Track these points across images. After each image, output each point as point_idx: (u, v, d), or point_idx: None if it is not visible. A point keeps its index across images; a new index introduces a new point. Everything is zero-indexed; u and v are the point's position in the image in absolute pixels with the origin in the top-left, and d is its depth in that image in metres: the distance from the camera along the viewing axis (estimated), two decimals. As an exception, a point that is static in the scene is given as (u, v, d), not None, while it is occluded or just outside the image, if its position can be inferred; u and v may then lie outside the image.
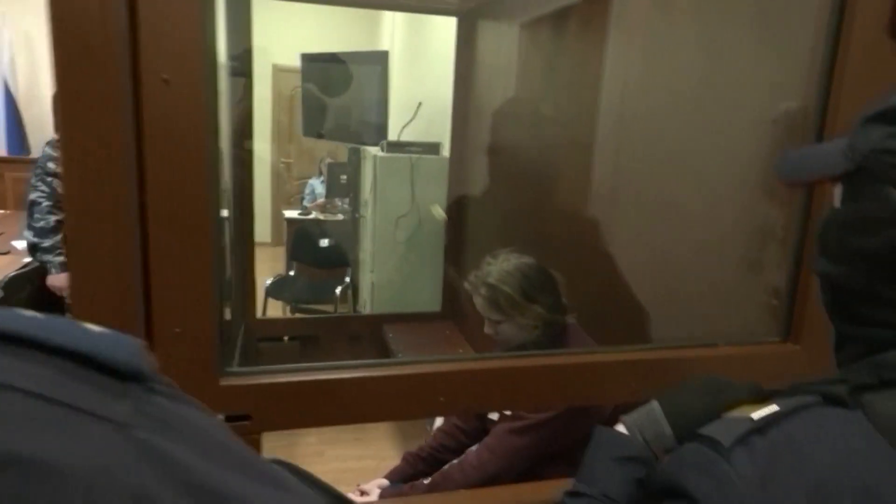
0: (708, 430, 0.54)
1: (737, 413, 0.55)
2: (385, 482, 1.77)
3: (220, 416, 0.87)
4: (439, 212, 3.17)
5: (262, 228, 6.13)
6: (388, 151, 3.23)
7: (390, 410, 0.95)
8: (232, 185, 2.89)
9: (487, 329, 1.60)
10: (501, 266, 1.57)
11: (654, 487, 0.57)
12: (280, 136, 6.16)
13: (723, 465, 0.49)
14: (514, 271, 1.55)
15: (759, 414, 0.52)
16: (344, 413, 0.93)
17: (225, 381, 0.90)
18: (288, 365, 0.93)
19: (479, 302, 1.58)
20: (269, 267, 5.38)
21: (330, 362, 0.95)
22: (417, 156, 3.20)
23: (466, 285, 1.62)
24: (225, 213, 3.05)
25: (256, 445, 0.91)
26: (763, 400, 0.57)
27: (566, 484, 0.71)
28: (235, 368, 0.92)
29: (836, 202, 0.59)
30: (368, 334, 3.23)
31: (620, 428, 0.73)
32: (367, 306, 3.51)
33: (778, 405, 0.52)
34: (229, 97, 2.72)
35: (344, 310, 4.08)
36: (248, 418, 0.90)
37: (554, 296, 1.57)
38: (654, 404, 0.72)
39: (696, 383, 0.73)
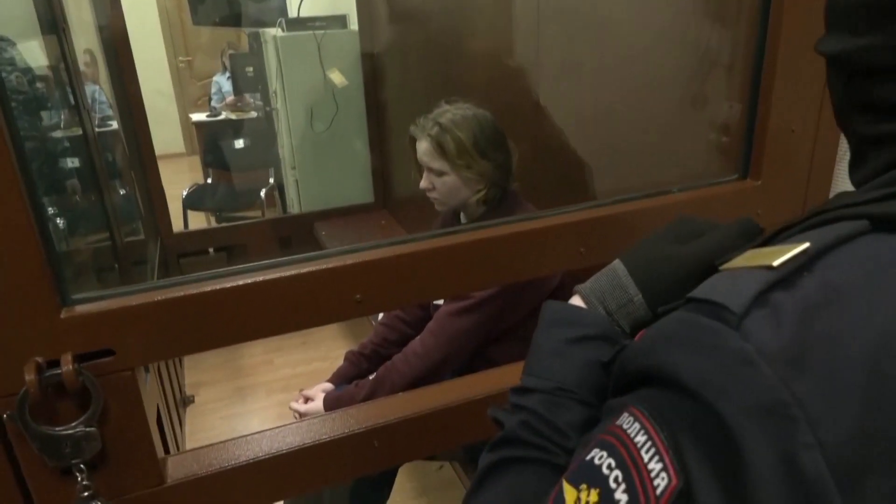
0: (704, 290, 0.36)
1: (743, 262, 0.38)
2: (329, 386, 1.64)
3: (68, 356, 0.67)
4: (339, 76, 2.85)
5: (172, 138, 5.63)
6: (288, 30, 2.84)
7: (290, 320, 0.77)
8: (114, 94, 2.51)
9: (424, 183, 1.43)
10: (457, 111, 1.39)
11: (626, 372, 0.40)
12: (172, 31, 5.48)
13: (733, 340, 0.32)
14: (471, 118, 1.38)
15: (781, 258, 0.34)
16: (234, 330, 0.75)
17: (70, 313, 0.69)
18: (153, 282, 0.73)
19: (423, 146, 1.40)
20: (188, 178, 4.99)
21: (206, 272, 0.75)
22: (322, 32, 2.83)
23: (412, 128, 1.43)
24: (114, 125, 2.68)
25: (131, 385, 0.73)
26: (769, 241, 0.41)
27: (516, 372, 0.54)
28: (86, 294, 0.72)
29: None
30: (299, 235, 3.01)
31: (576, 300, 0.56)
32: (295, 206, 3.25)
33: (807, 241, 0.35)
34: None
35: (273, 213, 3.81)
36: (110, 353, 0.71)
37: (505, 156, 1.41)
38: (616, 263, 0.55)
39: (665, 231, 0.56)
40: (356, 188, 3.15)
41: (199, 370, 2.72)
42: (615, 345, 0.50)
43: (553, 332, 0.53)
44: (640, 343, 0.40)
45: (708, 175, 1.09)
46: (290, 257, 0.78)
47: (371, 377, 1.48)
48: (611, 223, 0.91)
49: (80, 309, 0.69)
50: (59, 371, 0.67)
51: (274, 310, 0.77)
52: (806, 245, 0.35)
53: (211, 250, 2.92)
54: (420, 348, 1.41)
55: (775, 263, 0.34)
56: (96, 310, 0.70)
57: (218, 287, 0.75)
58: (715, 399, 0.32)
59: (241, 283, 0.75)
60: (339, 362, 1.73)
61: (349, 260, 0.81)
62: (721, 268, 0.40)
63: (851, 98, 0.43)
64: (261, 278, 0.77)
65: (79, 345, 0.69)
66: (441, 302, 1.49)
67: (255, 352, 2.87)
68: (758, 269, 0.35)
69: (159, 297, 0.72)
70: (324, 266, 0.79)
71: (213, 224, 3.98)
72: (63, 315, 0.68)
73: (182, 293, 0.74)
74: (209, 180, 4.12)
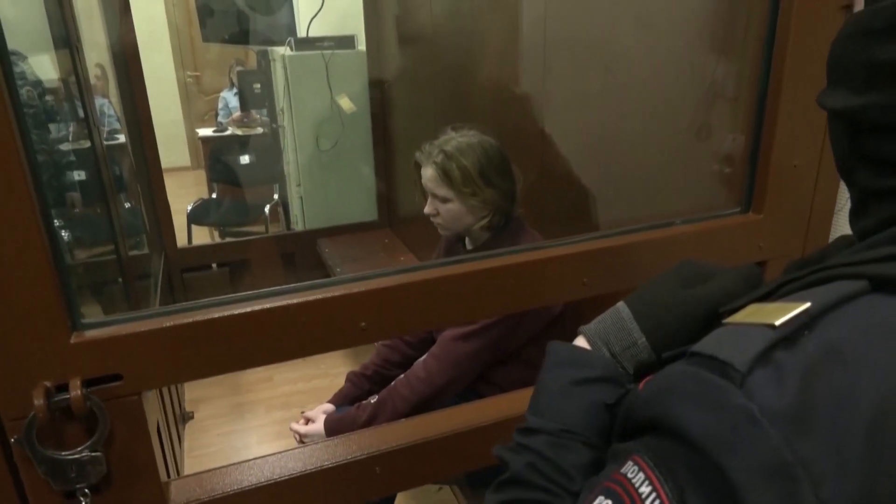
0: (709, 345, 0.37)
1: (746, 317, 0.39)
2: (330, 407, 1.64)
3: (77, 380, 0.68)
4: (347, 103, 2.88)
5: (179, 152, 5.67)
6: (297, 49, 2.88)
7: (296, 347, 0.78)
8: (122, 108, 2.54)
9: (429, 209, 1.44)
10: (463, 138, 1.40)
11: (631, 419, 0.41)
12: (182, 46, 5.54)
13: (737, 398, 0.33)
14: (476, 146, 1.39)
15: (783, 317, 0.35)
16: (240, 356, 0.76)
17: (80, 338, 0.70)
18: (162, 308, 0.74)
19: (428, 173, 1.41)
20: (193, 192, 5.01)
21: (215, 297, 0.76)
22: (331, 52, 2.87)
23: (418, 155, 1.44)
24: (122, 138, 2.71)
25: (138, 410, 0.73)
26: (771, 294, 0.41)
27: (520, 399, 0.55)
28: (96, 320, 0.72)
29: (859, 4, 0.41)
30: (302, 252, 3.02)
31: (580, 342, 0.57)
32: (299, 223, 3.27)
33: (809, 300, 0.36)
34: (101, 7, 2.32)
35: (276, 229, 3.83)
36: (118, 378, 0.71)
37: (510, 184, 1.42)
38: (621, 307, 0.56)
39: (670, 275, 0.57)
40: (360, 206, 3.18)
41: (199, 386, 2.72)
42: (620, 387, 0.51)
43: (559, 373, 0.53)
44: (646, 392, 0.40)
45: (711, 207, 1.10)
46: (296, 284, 0.79)
47: (373, 399, 1.48)
48: (614, 254, 0.92)
49: (90, 334, 0.70)
50: (68, 396, 0.67)
51: (280, 337, 0.78)
52: (807, 305, 0.36)
53: (214, 265, 2.94)
54: (423, 372, 1.41)
55: (777, 322, 0.35)
56: (106, 335, 0.70)
57: (226, 314, 0.75)
58: (719, 454, 0.32)
59: (248, 310, 0.76)
60: (340, 380, 1.73)
61: (355, 288, 0.82)
62: (725, 322, 0.41)
63: (855, 152, 0.43)
64: (268, 305, 0.77)
65: (87, 370, 0.69)
66: (444, 325, 1.50)
67: (255, 368, 2.87)
68: (761, 327, 0.36)
69: (168, 324, 0.73)
70: (330, 294, 0.80)
71: (217, 239, 3.99)
72: (73, 340, 0.69)
73: (191, 319, 0.74)
74: (214, 195, 4.14)
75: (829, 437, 0.31)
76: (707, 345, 0.37)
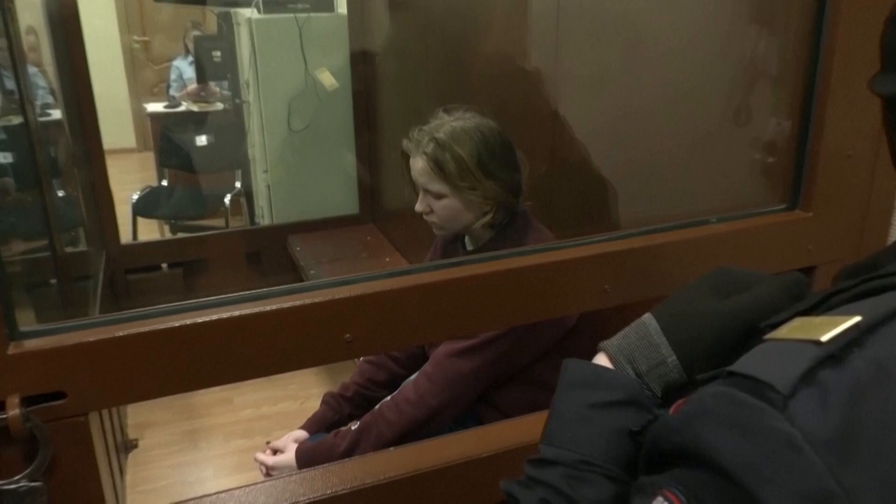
0: (748, 364, 0.39)
1: (790, 333, 0.41)
2: (303, 434, 1.65)
3: (15, 398, 0.69)
4: (329, 78, 2.89)
5: (123, 131, 5.64)
6: (265, 11, 2.87)
7: (269, 362, 0.79)
8: (58, 78, 2.53)
9: (420, 206, 1.45)
10: (457, 123, 1.39)
11: (659, 449, 0.43)
12: (128, 7, 5.52)
13: (779, 423, 0.35)
14: (473, 131, 1.38)
15: (830, 332, 0.37)
16: (204, 373, 0.77)
17: (18, 349, 0.71)
18: (112, 315, 0.75)
19: (418, 166, 1.41)
20: (140, 179, 5.01)
21: (175, 303, 0.77)
22: (305, 15, 2.86)
23: (405, 143, 1.44)
24: (56, 114, 2.70)
25: (84, 433, 0.74)
26: (817, 306, 0.43)
27: (529, 426, 0.56)
28: (37, 328, 0.74)
29: None
30: (269, 251, 3.02)
31: (601, 359, 0.58)
32: (265, 216, 3.27)
33: (859, 314, 0.38)
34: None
35: (238, 223, 3.83)
36: (61, 396, 0.73)
37: (514, 174, 1.42)
38: (648, 319, 0.57)
39: (703, 282, 0.58)
40: (339, 197, 3.18)
41: (145, 409, 2.70)
42: (646, 412, 0.52)
43: (576, 396, 0.54)
44: (676, 417, 0.41)
45: (752, 203, 1.12)
46: (269, 289, 0.80)
47: (354, 426, 1.49)
48: (639, 257, 0.93)
49: (30, 345, 0.71)
50: (4, 416, 0.68)
51: (251, 350, 0.79)
52: (857, 319, 0.38)
53: (164, 266, 2.93)
54: (413, 394, 1.42)
55: (824, 339, 0.37)
56: (48, 346, 0.71)
57: (188, 322, 0.76)
58: (758, 486, 0.34)
59: (213, 318, 0.77)
60: (312, 404, 1.73)
61: (339, 294, 0.83)
62: (766, 338, 0.43)
63: None
64: (237, 313, 0.78)
65: (27, 386, 0.70)
66: (438, 340, 1.51)
67: (211, 388, 2.86)
68: (805, 344, 0.38)
69: (120, 333, 0.74)
70: (310, 300, 0.81)
71: (168, 235, 3.98)
72: (10, 351, 0.70)
73: (146, 329, 0.75)
74: (164, 182, 4.09)
75: (876, 465, 0.33)
76: (746, 364, 0.39)
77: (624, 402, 0.52)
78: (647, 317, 0.57)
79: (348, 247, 2.96)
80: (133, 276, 2.84)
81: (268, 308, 0.80)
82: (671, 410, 0.47)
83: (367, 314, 0.84)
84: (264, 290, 0.80)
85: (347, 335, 0.83)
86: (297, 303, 0.81)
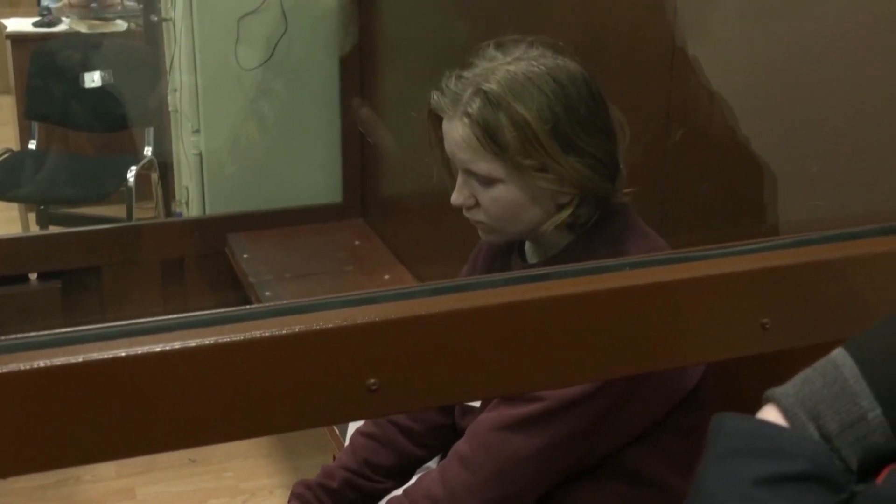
0: None
1: None
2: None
3: None
4: None
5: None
6: None
7: (248, 420, 0.59)
8: None
9: (459, 196, 1.10)
10: (518, 66, 1.04)
11: None
12: None
13: None
14: (545, 78, 1.03)
15: None
16: (145, 433, 0.56)
17: None
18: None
19: (457, 133, 1.06)
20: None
21: (110, 324, 0.57)
22: None
23: (435, 97, 1.09)
24: None
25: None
26: None
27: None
28: None
29: None
30: (198, 257, 2.24)
31: (769, 414, 0.54)
32: (191, 203, 2.37)
33: None
34: None
35: (148, 214, 2.90)
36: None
37: (608, 145, 1.08)
38: (840, 358, 0.54)
39: None
40: (311, 177, 2.31)
41: (8, 494, 1.88)
42: (836, 490, 0.49)
43: (735, 468, 0.50)
44: (887, 491, 0.43)
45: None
46: (253, 306, 0.65)
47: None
48: (818, 276, 0.75)
49: None
50: None
51: (220, 399, 0.58)
52: None
53: (33, 277, 2.16)
54: (441, 489, 1.08)
55: None
56: None
57: (123, 354, 0.56)
58: None
59: (161, 348, 0.56)
60: (258, 499, 1.40)
61: (360, 317, 0.62)
62: None
63: None
64: (203, 342, 0.57)
65: None
66: (478, 403, 1.16)
67: (107, 472, 1.93)
68: None
69: (20, 367, 0.52)
70: (315, 326, 0.60)
71: (35, 228, 2.93)
72: None
73: (60, 361, 0.54)
74: (31, 145, 3.03)
75: None
76: None
77: (806, 475, 0.49)
78: (839, 354, 0.55)
79: (325, 254, 2.18)
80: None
81: (252, 336, 0.58)
82: (878, 479, 0.47)
83: (401, 349, 0.63)
84: (243, 308, 0.61)
85: (372, 380, 0.62)
86: (297, 329, 0.59)
